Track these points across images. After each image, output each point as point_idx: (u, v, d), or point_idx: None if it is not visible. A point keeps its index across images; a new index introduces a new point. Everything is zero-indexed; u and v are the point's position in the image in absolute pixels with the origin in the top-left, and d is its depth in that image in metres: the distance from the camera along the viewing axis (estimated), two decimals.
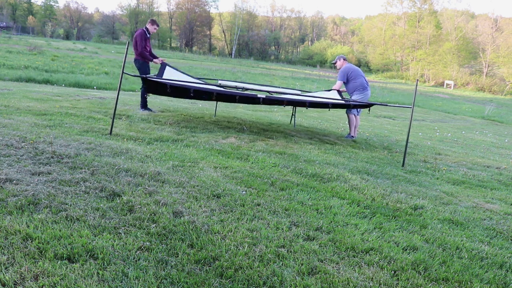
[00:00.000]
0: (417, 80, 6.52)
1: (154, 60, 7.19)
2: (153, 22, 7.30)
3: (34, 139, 4.22)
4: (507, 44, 45.06)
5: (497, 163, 6.71)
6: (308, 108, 6.90)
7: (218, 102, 7.49)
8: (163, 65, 6.79)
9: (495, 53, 46.69)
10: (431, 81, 49.28)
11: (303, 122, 8.49)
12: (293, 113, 7.99)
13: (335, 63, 7.64)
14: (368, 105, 6.55)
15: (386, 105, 6.65)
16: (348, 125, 7.47)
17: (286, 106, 6.84)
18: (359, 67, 7.91)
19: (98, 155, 3.98)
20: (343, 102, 6.55)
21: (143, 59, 7.09)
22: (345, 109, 7.31)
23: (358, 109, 7.23)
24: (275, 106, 7.37)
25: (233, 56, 66.69)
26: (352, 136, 7.28)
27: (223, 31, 75.90)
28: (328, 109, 7.08)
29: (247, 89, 6.97)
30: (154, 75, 6.50)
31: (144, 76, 6.10)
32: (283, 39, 79.93)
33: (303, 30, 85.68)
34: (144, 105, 7.16)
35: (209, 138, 5.49)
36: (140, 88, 7.36)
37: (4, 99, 6.92)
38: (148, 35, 7.21)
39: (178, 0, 72.78)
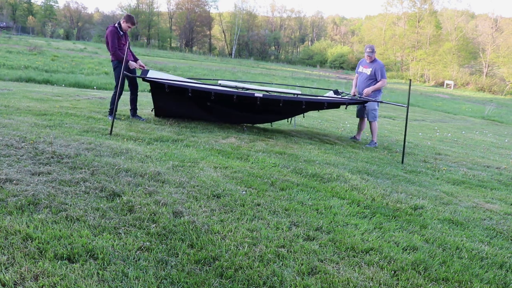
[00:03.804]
0: (410, 80, 6.47)
1: (131, 62, 6.14)
2: (128, 19, 6.22)
3: (34, 139, 4.22)
4: (507, 44, 45.08)
5: (497, 163, 6.71)
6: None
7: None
8: (145, 71, 6.27)
9: (495, 53, 46.72)
10: (431, 81, 49.29)
11: (303, 122, 8.50)
12: None
13: (373, 52, 6.61)
14: (363, 102, 6.57)
15: (382, 102, 6.69)
16: (371, 133, 6.88)
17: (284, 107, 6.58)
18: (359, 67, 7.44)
19: (98, 155, 3.98)
20: (338, 100, 6.52)
21: (118, 59, 6.16)
22: (367, 117, 6.78)
23: (376, 114, 6.73)
24: (274, 111, 6.81)
25: (233, 56, 66.71)
26: (375, 143, 6.76)
27: (223, 31, 75.92)
28: (326, 108, 6.69)
29: (248, 89, 6.98)
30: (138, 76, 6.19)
31: (142, 76, 6.08)
32: (283, 39, 79.95)
33: (303, 30, 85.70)
34: (111, 111, 6.09)
35: (209, 138, 5.49)
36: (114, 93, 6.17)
37: (4, 99, 6.92)
38: (121, 33, 6.19)
39: (178, 0, 72.85)
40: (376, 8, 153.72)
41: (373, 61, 6.68)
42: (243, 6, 74.42)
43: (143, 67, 6.41)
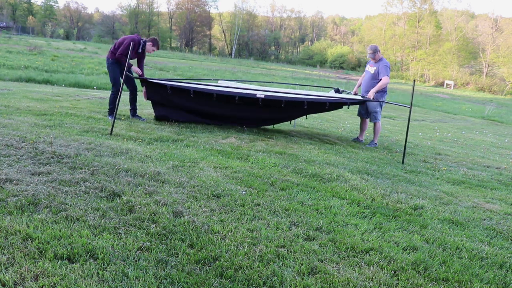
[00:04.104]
0: (414, 80, 6.31)
1: (134, 67, 6.13)
2: (155, 43, 6.27)
3: (34, 139, 4.22)
4: (507, 44, 45.10)
5: (497, 163, 6.71)
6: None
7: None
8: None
9: (495, 53, 46.73)
10: (431, 81, 49.30)
11: (303, 122, 8.50)
12: None
13: (375, 53, 6.48)
14: (364, 102, 6.51)
15: (384, 102, 6.61)
16: (373, 133, 6.83)
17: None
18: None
19: (98, 155, 3.98)
20: (340, 100, 6.42)
21: (117, 60, 6.13)
22: (369, 118, 6.74)
23: (378, 114, 6.66)
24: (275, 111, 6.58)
25: (233, 56, 66.72)
26: (376, 144, 6.75)
27: (223, 31, 75.91)
28: (329, 109, 6.48)
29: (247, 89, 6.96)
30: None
31: (144, 77, 6.07)
32: (283, 39, 79.94)
33: (303, 30, 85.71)
34: (112, 111, 6.07)
35: (209, 138, 5.49)
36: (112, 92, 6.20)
37: (4, 99, 6.92)
38: (140, 50, 6.16)
39: (178, 0, 72.85)
40: (376, 8, 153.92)
41: (379, 60, 6.54)
42: (243, 6, 74.46)
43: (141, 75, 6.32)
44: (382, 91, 6.57)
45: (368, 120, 6.88)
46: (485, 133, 11.72)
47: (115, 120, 5.97)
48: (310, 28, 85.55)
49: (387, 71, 6.43)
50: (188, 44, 72.18)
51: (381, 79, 6.44)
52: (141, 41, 6.20)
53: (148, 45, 6.23)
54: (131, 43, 5.95)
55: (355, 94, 6.88)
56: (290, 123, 7.95)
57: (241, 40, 72.29)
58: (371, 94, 6.41)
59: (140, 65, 6.42)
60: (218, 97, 6.00)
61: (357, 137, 7.10)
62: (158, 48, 6.38)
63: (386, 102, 6.80)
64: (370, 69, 6.64)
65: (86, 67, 17.07)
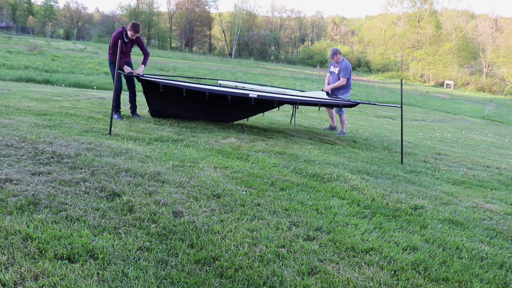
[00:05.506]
0: (402, 80, 6.41)
1: (126, 67, 6.13)
2: (131, 27, 6.15)
3: (34, 139, 4.22)
4: (507, 44, 45.09)
5: (497, 163, 6.71)
6: (308, 107, 6.85)
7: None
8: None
9: (495, 53, 46.73)
10: (431, 81, 49.30)
11: (303, 122, 8.49)
12: (293, 113, 7.98)
13: (333, 55, 7.38)
14: (355, 104, 6.59)
15: (375, 104, 6.84)
16: (340, 124, 7.71)
17: (281, 106, 6.80)
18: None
19: (98, 155, 3.98)
20: (333, 102, 6.54)
21: (112, 60, 6.28)
22: (334, 109, 7.60)
23: (343, 109, 7.43)
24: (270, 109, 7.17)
25: (233, 56, 66.70)
26: (344, 133, 7.53)
27: (223, 31, 75.91)
28: (318, 108, 7.22)
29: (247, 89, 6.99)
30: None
31: (138, 75, 6.07)
32: (283, 39, 79.93)
33: (303, 30, 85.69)
34: (116, 108, 6.24)
35: (209, 138, 5.49)
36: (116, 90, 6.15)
37: (4, 99, 6.91)
38: (125, 39, 6.20)
39: (178, 0, 72.86)
40: (376, 8, 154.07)
41: (341, 61, 7.34)
42: (243, 6, 74.45)
43: (135, 73, 6.25)
44: (346, 89, 7.34)
45: (332, 108, 7.70)
46: (485, 133, 11.72)
47: (116, 120, 5.98)
48: (310, 28, 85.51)
49: (346, 73, 7.25)
50: (188, 44, 72.15)
51: (340, 79, 7.30)
52: (124, 30, 6.25)
53: (128, 30, 6.22)
54: (114, 38, 6.11)
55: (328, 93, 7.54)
56: (290, 123, 7.95)
57: (241, 40, 72.26)
58: (327, 89, 7.32)
59: (144, 60, 6.51)
60: (211, 96, 6.06)
61: (330, 125, 7.90)
62: (136, 32, 6.18)
63: (378, 104, 7.07)
64: (335, 69, 7.46)
65: (86, 67, 17.07)
